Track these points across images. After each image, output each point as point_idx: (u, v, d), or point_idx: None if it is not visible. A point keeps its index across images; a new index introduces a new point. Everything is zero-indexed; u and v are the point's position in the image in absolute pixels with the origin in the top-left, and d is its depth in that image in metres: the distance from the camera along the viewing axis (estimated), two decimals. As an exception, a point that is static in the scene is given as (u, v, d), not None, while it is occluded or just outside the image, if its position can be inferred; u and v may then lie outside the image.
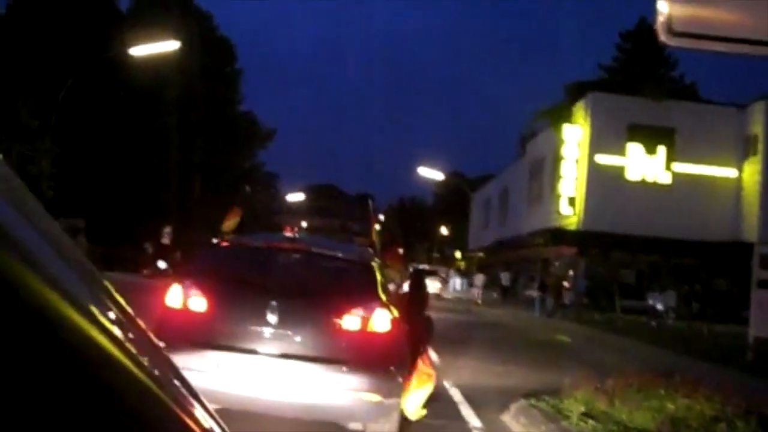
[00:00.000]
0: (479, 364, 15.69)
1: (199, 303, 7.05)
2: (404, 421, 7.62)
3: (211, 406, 1.11)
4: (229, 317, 7.10)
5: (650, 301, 36.51)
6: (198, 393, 1.10)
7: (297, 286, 7.43)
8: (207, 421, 1.06)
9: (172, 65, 43.19)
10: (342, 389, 6.76)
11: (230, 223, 9.05)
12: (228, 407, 6.66)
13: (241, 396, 6.76)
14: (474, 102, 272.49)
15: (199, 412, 1.05)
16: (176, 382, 1.05)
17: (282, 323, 6.86)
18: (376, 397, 6.80)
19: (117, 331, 0.91)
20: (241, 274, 7.72)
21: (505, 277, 53.07)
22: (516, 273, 54.31)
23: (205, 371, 6.60)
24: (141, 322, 1.03)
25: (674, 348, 22.15)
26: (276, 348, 6.85)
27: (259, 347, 6.84)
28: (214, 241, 8.37)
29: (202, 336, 6.93)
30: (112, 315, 0.92)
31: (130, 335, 0.95)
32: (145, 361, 0.94)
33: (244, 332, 6.91)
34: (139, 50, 31.26)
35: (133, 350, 0.92)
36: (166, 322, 7.04)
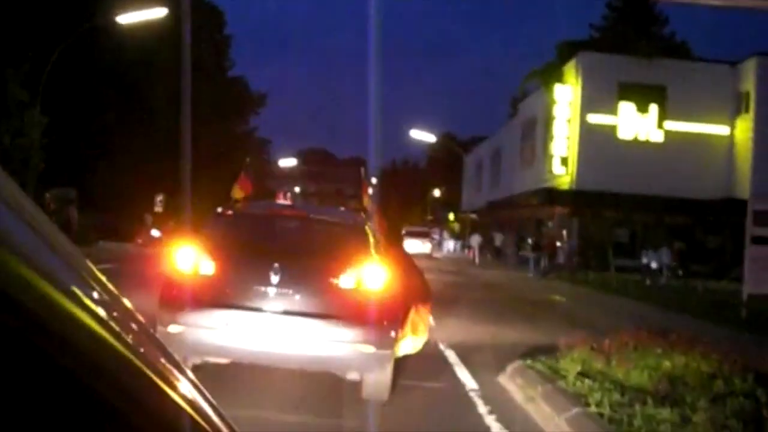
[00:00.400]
0: (474, 324, 15.78)
1: (208, 266, 7.67)
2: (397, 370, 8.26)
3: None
4: (236, 278, 7.73)
5: (644, 260, 36.58)
6: (182, 366, 1.13)
7: (297, 249, 8.20)
8: (191, 393, 1.10)
9: (161, 33, 42.85)
10: (339, 342, 7.41)
11: (239, 190, 9.92)
12: (236, 360, 7.79)
13: (248, 350, 7.51)
14: (466, 65, 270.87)
15: (183, 384, 1.09)
16: (161, 356, 1.09)
17: (284, 283, 7.48)
18: (370, 349, 7.42)
19: (101, 311, 0.93)
20: (245, 239, 8.42)
21: (498, 238, 53.96)
22: (510, 234, 54.53)
23: (216, 328, 7.39)
24: (125, 301, 1.07)
25: (669, 306, 22.25)
26: (279, 306, 7.48)
27: (263, 305, 7.48)
28: (219, 209, 8.85)
29: (211, 296, 7.55)
30: (95, 295, 0.94)
31: (115, 314, 0.98)
32: (128, 338, 0.97)
33: (249, 292, 7.53)
34: (127, 18, 30.99)
35: (117, 328, 0.95)
36: (179, 284, 7.73)
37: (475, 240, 52.46)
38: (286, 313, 7.46)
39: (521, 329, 15.40)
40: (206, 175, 52.19)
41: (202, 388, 1.15)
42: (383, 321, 7.64)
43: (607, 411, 6.76)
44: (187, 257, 7.76)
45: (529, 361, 9.27)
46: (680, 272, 35.66)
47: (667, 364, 8.31)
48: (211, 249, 7.81)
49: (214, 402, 1.17)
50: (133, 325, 1.04)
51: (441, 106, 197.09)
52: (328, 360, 7.59)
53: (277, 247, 8.19)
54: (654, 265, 35.97)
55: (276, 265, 7.51)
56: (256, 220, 8.93)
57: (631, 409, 6.77)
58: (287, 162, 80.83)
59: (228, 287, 7.66)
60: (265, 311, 7.48)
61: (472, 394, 8.61)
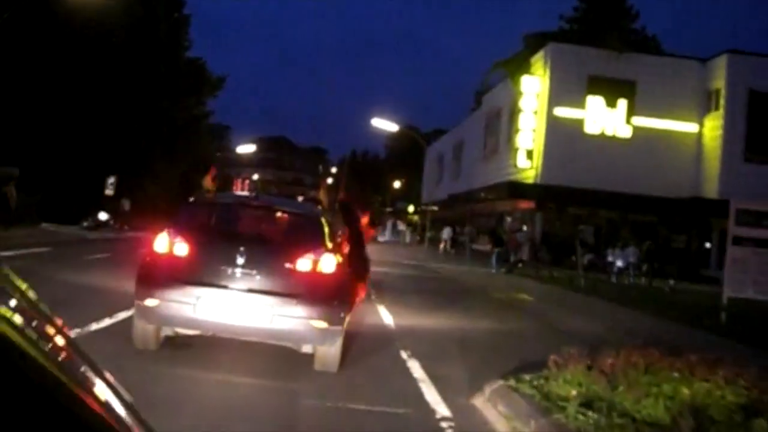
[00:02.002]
0: (438, 326, 14.11)
1: (182, 248, 8.58)
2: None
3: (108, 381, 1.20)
4: (206, 259, 8.61)
5: (610, 258, 35.43)
6: (102, 369, 1.20)
7: (261, 235, 9.28)
8: (106, 396, 1.14)
9: (116, 8, 40.83)
10: (296, 318, 8.33)
11: (210, 181, 11.45)
12: (204, 332, 8.73)
13: (214, 323, 8.41)
14: (430, 56, 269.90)
15: (99, 389, 1.14)
16: (80, 362, 1.14)
17: (248, 265, 8.43)
18: (323, 324, 8.34)
19: (18, 319, 0.98)
20: (215, 226, 9.52)
21: (446, 232, 54.09)
22: (470, 227, 53.37)
23: (189, 303, 8.29)
24: (44, 307, 1.14)
25: (642, 308, 20.98)
26: (243, 284, 8.39)
27: (230, 284, 8.40)
28: (192, 198, 10.08)
29: (184, 274, 8.45)
30: (13, 303, 1.00)
31: (33, 322, 1.04)
32: (46, 346, 1.03)
33: (218, 272, 8.43)
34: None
35: (35, 336, 0.99)
36: (156, 263, 8.64)
37: (446, 232, 51.56)
38: (250, 291, 8.36)
39: (493, 334, 13.84)
40: (163, 155, 50.22)
41: (120, 390, 1.20)
42: (335, 301, 8.56)
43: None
44: (164, 240, 8.61)
45: (512, 381, 7.62)
46: (646, 271, 34.60)
47: (685, 391, 6.72)
48: (185, 233, 8.70)
49: (131, 403, 1.21)
50: (53, 333, 1.11)
51: (404, 98, 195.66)
52: (286, 334, 8.46)
53: (243, 233, 9.23)
54: (620, 263, 34.84)
55: (242, 248, 8.47)
56: (225, 209, 10.00)
57: (657, 458, 5.17)
58: (246, 148, 78.92)
59: (199, 267, 8.53)
60: (231, 289, 8.37)
61: (444, 425, 6.89)
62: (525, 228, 42.25)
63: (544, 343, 10.18)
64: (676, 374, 7.06)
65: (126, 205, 44.71)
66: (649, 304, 21.92)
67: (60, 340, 1.10)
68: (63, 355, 1.05)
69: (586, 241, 38.31)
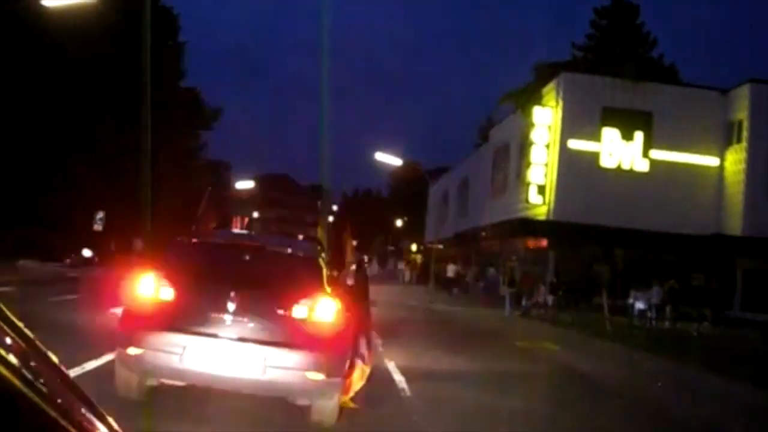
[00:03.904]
0: (467, 395, 11.14)
1: (168, 292, 7.95)
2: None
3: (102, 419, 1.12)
4: (194, 305, 7.95)
5: (631, 300, 32.95)
6: (103, 412, 1.13)
7: (253, 279, 8.34)
8: None
9: (101, 30, 38.93)
10: (290, 369, 7.71)
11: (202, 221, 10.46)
12: (193, 384, 8.13)
13: (203, 374, 7.75)
14: (432, 93, 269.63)
15: (100, 431, 1.07)
16: (81, 405, 1.08)
17: (240, 311, 7.79)
18: (320, 376, 7.71)
19: (12, 358, 0.93)
20: (204, 268, 8.59)
21: (451, 270, 51.77)
22: (475, 266, 51.11)
23: (174, 353, 7.70)
24: (41, 346, 1.06)
25: (685, 359, 18.55)
26: (234, 333, 7.77)
27: (220, 332, 7.77)
28: (179, 238, 9.16)
29: (170, 321, 7.80)
30: (8, 341, 0.96)
31: (31, 362, 0.99)
32: (43, 387, 0.96)
33: (207, 319, 7.79)
34: (54, 0, 26.88)
35: (30, 377, 0.94)
36: (140, 308, 7.99)
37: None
38: (241, 340, 7.73)
39: (532, 400, 11.24)
40: (155, 189, 47.88)
41: None
42: (332, 350, 7.94)
43: None
44: (148, 283, 7.98)
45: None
46: (668, 313, 32.21)
47: None
48: (172, 276, 8.05)
49: None
50: (51, 373, 1.04)
51: (404, 136, 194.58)
52: (280, 386, 7.85)
53: (234, 277, 8.31)
54: (641, 305, 32.35)
55: (232, 293, 7.80)
56: (215, 250, 9.07)
57: None
58: (244, 185, 76.84)
59: (186, 313, 7.89)
60: (220, 337, 7.74)
61: None
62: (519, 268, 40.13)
63: (606, 417, 7.68)
64: None
65: (138, 244, 42.52)
66: (691, 353, 19.50)
67: (58, 381, 1.02)
68: (62, 396, 0.97)
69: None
